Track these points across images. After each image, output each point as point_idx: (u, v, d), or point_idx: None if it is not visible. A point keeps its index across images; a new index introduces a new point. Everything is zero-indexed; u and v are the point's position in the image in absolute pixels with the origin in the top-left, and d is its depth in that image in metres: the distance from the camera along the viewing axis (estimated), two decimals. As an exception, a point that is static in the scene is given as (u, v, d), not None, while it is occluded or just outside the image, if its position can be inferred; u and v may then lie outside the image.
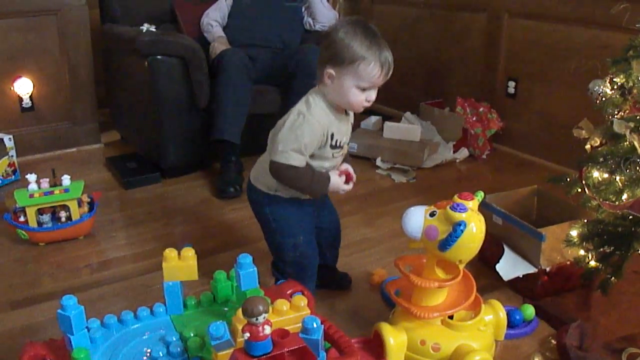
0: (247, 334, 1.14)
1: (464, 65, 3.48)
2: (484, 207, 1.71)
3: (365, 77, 1.54)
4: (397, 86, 3.93)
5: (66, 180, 2.27)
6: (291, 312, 1.31)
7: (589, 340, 1.59)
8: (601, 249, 1.66)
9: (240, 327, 1.18)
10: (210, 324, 1.18)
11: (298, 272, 1.72)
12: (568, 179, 1.73)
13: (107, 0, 3.15)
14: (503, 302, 1.68)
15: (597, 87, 1.63)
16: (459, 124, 3.15)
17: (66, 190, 2.24)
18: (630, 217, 1.58)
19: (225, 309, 1.52)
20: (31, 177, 2.23)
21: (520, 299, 1.88)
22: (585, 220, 1.71)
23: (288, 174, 1.59)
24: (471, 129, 3.14)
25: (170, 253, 1.46)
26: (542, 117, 3.09)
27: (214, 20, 3.07)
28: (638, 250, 1.59)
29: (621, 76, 1.56)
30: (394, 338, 1.52)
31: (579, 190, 1.67)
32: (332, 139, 1.62)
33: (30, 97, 3.12)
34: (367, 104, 1.60)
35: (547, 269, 1.84)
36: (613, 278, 1.64)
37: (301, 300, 1.34)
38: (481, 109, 3.18)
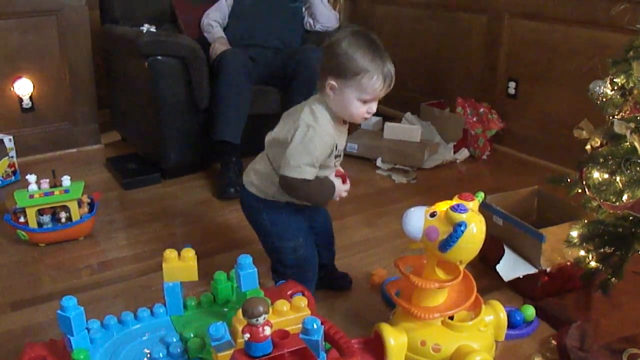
0: (247, 335, 1.14)
1: (465, 65, 3.48)
2: (484, 208, 1.71)
3: (368, 89, 1.55)
4: (398, 87, 3.91)
5: (66, 181, 2.27)
6: (291, 313, 1.32)
7: (589, 340, 1.59)
8: (601, 250, 1.66)
9: (240, 328, 1.18)
10: (211, 325, 1.19)
11: (299, 275, 1.72)
12: (568, 180, 1.73)
13: (107, 0, 3.14)
14: (503, 302, 1.68)
15: (597, 88, 1.63)
16: (459, 124, 3.15)
17: (66, 191, 2.24)
18: (631, 217, 1.58)
19: (226, 309, 1.52)
20: (31, 178, 2.23)
21: (521, 299, 1.88)
22: (586, 221, 1.70)
23: (302, 188, 1.60)
24: (471, 130, 3.14)
25: (170, 254, 1.46)
26: (542, 118, 3.09)
27: (214, 20, 3.07)
28: (638, 251, 1.59)
29: (621, 77, 1.56)
30: (395, 339, 1.52)
31: (580, 190, 1.67)
32: (336, 149, 1.64)
33: (30, 97, 3.12)
34: (368, 116, 1.62)
35: (548, 270, 1.84)
36: (613, 279, 1.63)
37: (301, 301, 1.34)
38: (481, 110, 3.18)
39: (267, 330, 1.14)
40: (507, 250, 1.91)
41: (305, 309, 1.33)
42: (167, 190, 2.79)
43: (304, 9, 3.14)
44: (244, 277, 1.40)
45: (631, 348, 1.54)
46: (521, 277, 1.86)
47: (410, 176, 2.92)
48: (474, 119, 3.16)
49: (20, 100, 3.10)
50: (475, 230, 1.43)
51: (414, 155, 3.01)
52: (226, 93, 2.68)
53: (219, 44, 2.93)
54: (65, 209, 2.25)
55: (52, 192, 2.22)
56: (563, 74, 2.91)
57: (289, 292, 1.49)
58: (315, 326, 1.22)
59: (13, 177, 2.87)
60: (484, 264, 1.98)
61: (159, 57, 2.65)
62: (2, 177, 2.81)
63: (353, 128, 1.69)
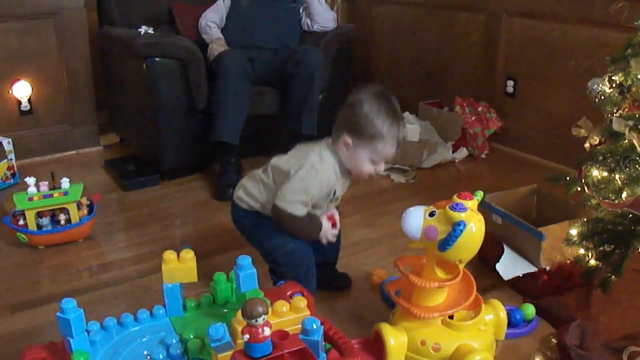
0: (247, 336, 1.13)
1: (463, 64, 3.48)
2: (483, 207, 1.71)
3: (380, 153, 1.64)
4: (396, 86, 3.93)
5: (65, 183, 2.27)
6: (291, 314, 1.31)
7: (589, 339, 1.59)
8: (601, 248, 1.66)
9: (240, 329, 1.18)
10: (210, 326, 1.18)
11: (294, 271, 1.73)
12: (567, 178, 1.73)
13: (105, 2, 3.14)
14: (503, 301, 1.67)
15: (596, 86, 1.63)
16: (458, 123, 3.15)
17: (65, 193, 2.24)
18: (630, 215, 1.58)
19: (225, 310, 1.51)
20: (30, 181, 2.23)
21: (521, 298, 1.88)
22: (585, 219, 1.71)
23: (291, 222, 1.67)
24: (470, 129, 3.14)
25: (169, 255, 1.46)
26: (541, 116, 3.09)
27: (212, 21, 3.06)
28: (638, 249, 1.59)
29: (620, 74, 1.56)
30: (394, 338, 1.51)
31: (579, 189, 1.67)
32: (333, 194, 1.71)
33: (29, 100, 3.12)
34: (375, 174, 1.70)
35: (547, 268, 1.84)
36: (613, 276, 1.64)
37: (301, 302, 1.34)
38: (480, 109, 3.18)
39: (267, 331, 1.14)
40: (506, 249, 1.91)
41: (305, 310, 1.33)
42: (166, 192, 2.79)
43: (301, 9, 3.14)
44: (243, 277, 1.40)
45: (631, 346, 1.54)
46: (521, 275, 1.86)
47: (409, 176, 2.92)
48: (473, 118, 3.16)
49: (19, 102, 3.10)
50: (475, 229, 1.43)
51: (413, 154, 3.01)
52: (224, 94, 2.68)
53: (217, 45, 2.93)
54: (65, 211, 2.25)
55: (51, 195, 2.22)
56: (561, 73, 2.91)
57: (288, 293, 1.49)
58: (314, 326, 1.22)
59: (12, 180, 2.87)
60: (484, 263, 1.98)
61: (157, 59, 2.65)
62: (1, 179, 2.81)
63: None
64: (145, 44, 2.64)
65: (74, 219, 2.25)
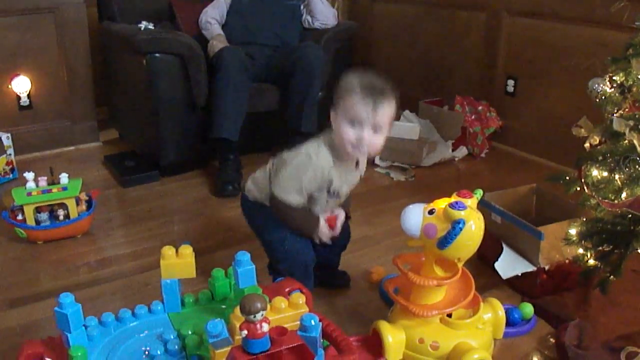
0: (245, 332, 1.13)
1: (463, 63, 3.47)
2: (482, 205, 1.71)
3: (350, 109, 1.56)
4: (396, 84, 3.92)
5: (64, 178, 2.27)
6: (289, 310, 1.31)
7: (587, 338, 1.59)
8: (600, 248, 1.66)
9: (238, 325, 1.18)
10: (208, 322, 1.18)
11: (291, 268, 1.73)
12: (567, 178, 1.73)
13: (105, -3, 3.15)
14: (502, 300, 1.67)
15: (596, 86, 1.63)
16: (457, 122, 3.15)
17: (64, 189, 2.24)
18: (630, 215, 1.58)
19: (223, 306, 1.51)
20: (29, 176, 2.23)
21: (519, 297, 1.88)
22: (584, 219, 1.70)
23: (285, 211, 1.66)
24: (470, 128, 3.14)
25: (168, 251, 1.45)
26: (541, 116, 3.09)
27: (213, 18, 3.06)
28: (637, 249, 1.59)
29: (620, 74, 1.56)
30: (393, 336, 1.51)
31: (578, 188, 1.67)
32: (329, 186, 1.66)
33: (28, 95, 3.11)
34: (359, 144, 1.58)
35: (546, 268, 1.84)
36: (612, 277, 1.63)
37: (299, 298, 1.33)
38: (480, 108, 3.18)
39: (265, 327, 1.14)
40: (505, 248, 1.91)
41: (303, 306, 1.33)
42: (165, 188, 2.79)
43: (302, 6, 3.14)
44: (242, 274, 1.40)
45: (629, 346, 1.54)
46: (519, 274, 1.86)
47: (408, 174, 2.92)
48: (473, 117, 3.16)
49: (18, 97, 3.09)
50: (474, 227, 1.43)
51: (413, 153, 3.01)
52: (224, 90, 2.67)
53: (217, 41, 2.93)
54: (63, 206, 2.24)
55: (50, 190, 2.22)
56: (562, 72, 2.91)
57: (286, 289, 1.49)
58: (313, 323, 1.22)
59: (11, 175, 2.86)
60: (482, 261, 1.98)
61: (157, 55, 2.65)
62: (0, 174, 2.81)
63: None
64: (145, 39, 2.63)
65: (73, 214, 2.25)
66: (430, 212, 1.48)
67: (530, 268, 1.85)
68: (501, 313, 1.62)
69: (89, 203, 2.33)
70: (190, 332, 1.37)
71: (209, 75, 2.75)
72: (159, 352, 1.32)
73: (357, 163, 1.73)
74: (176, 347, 1.33)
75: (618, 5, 1.78)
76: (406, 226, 1.49)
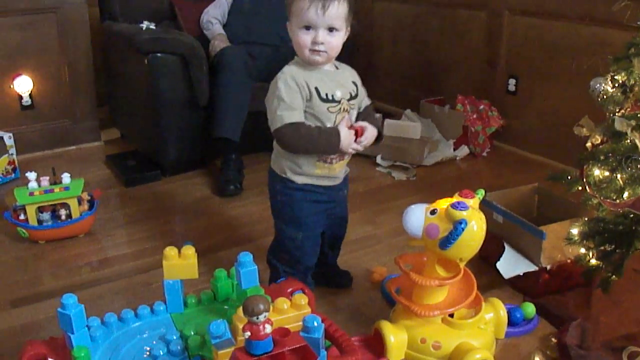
0: (248, 333, 1.14)
1: (465, 62, 3.47)
2: (484, 205, 1.71)
3: (301, 14, 1.54)
4: (398, 84, 3.93)
5: (66, 178, 2.27)
6: (292, 311, 1.32)
7: (589, 338, 1.59)
8: (602, 247, 1.66)
9: (241, 326, 1.18)
10: (211, 323, 1.18)
11: (290, 261, 1.73)
12: (569, 177, 1.72)
13: (106, -3, 3.15)
14: (503, 300, 1.68)
15: (598, 85, 1.62)
16: (459, 121, 3.15)
17: (66, 189, 2.24)
18: (631, 215, 1.58)
19: (226, 307, 1.52)
20: (31, 175, 2.23)
21: (521, 297, 1.88)
22: (586, 219, 1.70)
23: (290, 134, 1.57)
24: (471, 127, 3.14)
25: (170, 251, 1.46)
26: (542, 115, 3.09)
27: (214, 17, 3.06)
28: (639, 249, 1.59)
29: (622, 74, 1.55)
30: (395, 336, 1.52)
31: (580, 188, 1.66)
32: (318, 92, 1.59)
33: (30, 95, 3.12)
34: (316, 47, 1.56)
35: (548, 267, 1.84)
36: (614, 276, 1.63)
37: (302, 299, 1.34)
38: (481, 107, 3.18)
39: (268, 328, 1.14)
40: (507, 248, 1.91)
41: (306, 307, 1.33)
42: (166, 188, 2.79)
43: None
44: (245, 274, 1.40)
45: (631, 346, 1.54)
46: (521, 274, 1.86)
47: (410, 173, 2.92)
48: (474, 116, 3.16)
49: (20, 97, 3.09)
50: (476, 227, 1.43)
51: (414, 152, 3.01)
52: (226, 90, 2.67)
53: (219, 41, 2.93)
54: (65, 206, 2.25)
55: (52, 190, 2.22)
56: (563, 71, 2.90)
57: (289, 290, 1.49)
58: (315, 324, 1.22)
59: (13, 175, 2.87)
60: (484, 261, 1.98)
61: (159, 55, 2.65)
62: (2, 174, 2.81)
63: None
64: (147, 39, 2.63)
65: (75, 214, 2.25)
66: (432, 212, 1.48)
67: (532, 268, 1.85)
68: (503, 313, 1.62)
69: (91, 203, 2.33)
70: (192, 333, 1.38)
71: (210, 75, 2.75)
72: (161, 353, 1.32)
73: (336, 67, 1.68)
74: (179, 347, 1.34)
75: (620, 4, 1.78)
76: (408, 226, 1.49)
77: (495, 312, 1.62)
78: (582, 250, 1.71)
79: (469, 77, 3.45)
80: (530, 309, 1.76)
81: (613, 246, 1.63)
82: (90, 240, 2.30)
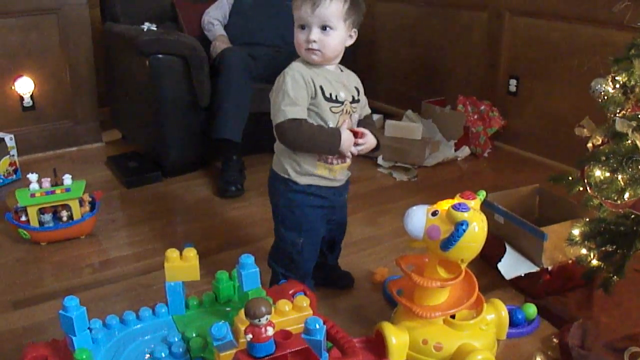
0: (250, 336, 1.14)
1: (466, 63, 3.47)
2: (485, 206, 1.71)
3: (294, 11, 1.58)
4: (399, 84, 3.93)
5: (67, 179, 2.27)
6: (293, 313, 1.31)
7: (591, 339, 1.59)
8: (603, 248, 1.66)
9: (242, 328, 1.18)
10: (213, 325, 1.19)
11: (289, 265, 1.73)
12: (570, 178, 1.72)
13: (108, -2, 3.15)
14: (505, 301, 1.68)
15: (599, 86, 1.62)
16: (460, 122, 3.15)
17: (67, 190, 2.24)
18: (632, 216, 1.58)
19: (228, 309, 1.52)
20: (32, 177, 2.23)
21: (522, 298, 1.88)
22: (587, 219, 1.70)
23: (291, 129, 1.57)
24: (472, 127, 3.14)
25: (172, 253, 1.46)
26: (543, 116, 3.08)
27: (215, 18, 3.06)
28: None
29: (623, 75, 1.56)
30: (396, 337, 1.52)
31: (581, 189, 1.67)
32: (322, 91, 1.59)
33: (31, 96, 3.12)
34: (310, 46, 1.57)
35: (549, 268, 1.84)
36: (615, 277, 1.63)
37: (303, 301, 1.34)
38: (482, 107, 3.18)
39: (270, 331, 1.14)
40: (508, 249, 1.91)
41: (307, 309, 1.33)
42: (168, 189, 2.79)
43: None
44: (246, 276, 1.40)
45: (633, 346, 1.54)
46: (523, 275, 1.86)
47: (411, 174, 2.92)
48: (475, 117, 3.16)
49: (21, 98, 3.10)
50: (477, 229, 1.43)
51: (415, 153, 3.01)
52: (227, 91, 2.67)
53: (220, 42, 2.93)
54: (67, 207, 2.25)
55: (53, 191, 2.22)
56: (564, 72, 2.90)
57: (290, 292, 1.49)
58: (317, 326, 1.22)
59: (14, 176, 2.87)
60: (486, 262, 1.98)
61: (160, 56, 2.65)
62: (4, 175, 2.81)
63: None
64: (148, 41, 2.63)
65: (76, 215, 2.25)
66: (434, 213, 1.48)
67: (534, 268, 1.86)
68: (504, 314, 1.62)
69: (93, 204, 2.33)
70: (194, 335, 1.38)
71: (211, 76, 2.75)
72: (163, 355, 1.32)
73: (340, 70, 1.69)
74: (180, 349, 1.34)
75: (620, 5, 1.78)
76: (409, 228, 1.49)
77: (496, 313, 1.62)
78: (584, 251, 1.72)
79: (470, 78, 3.45)
80: (531, 309, 1.76)
81: (614, 247, 1.63)
82: (92, 241, 2.30)
